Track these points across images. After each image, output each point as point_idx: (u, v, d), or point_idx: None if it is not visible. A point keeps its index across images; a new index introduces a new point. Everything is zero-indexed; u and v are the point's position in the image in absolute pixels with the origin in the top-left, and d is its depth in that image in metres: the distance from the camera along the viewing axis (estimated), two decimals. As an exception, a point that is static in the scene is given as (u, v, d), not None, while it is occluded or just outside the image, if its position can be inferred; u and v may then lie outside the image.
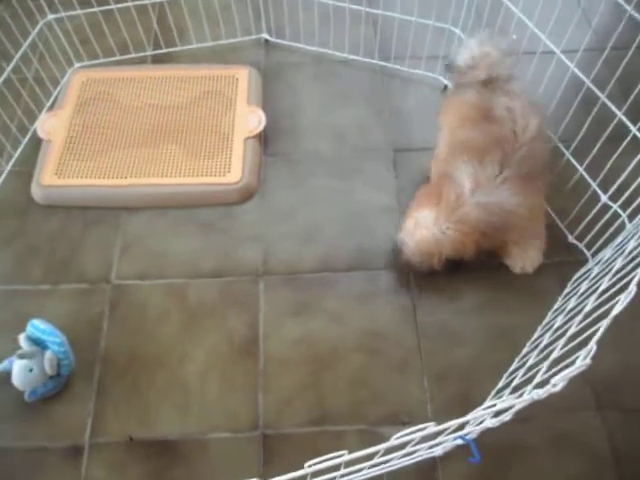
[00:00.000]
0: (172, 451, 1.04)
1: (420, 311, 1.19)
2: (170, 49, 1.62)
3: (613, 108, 1.09)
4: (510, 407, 0.63)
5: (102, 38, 1.55)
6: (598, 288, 0.85)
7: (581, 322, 0.80)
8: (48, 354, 1.05)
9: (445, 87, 1.53)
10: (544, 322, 1.13)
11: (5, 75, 1.36)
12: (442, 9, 1.46)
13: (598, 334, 0.57)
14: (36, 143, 1.42)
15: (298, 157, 1.43)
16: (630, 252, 0.87)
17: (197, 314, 1.19)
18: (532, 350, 1.01)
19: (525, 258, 1.20)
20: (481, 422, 0.70)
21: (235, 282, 1.23)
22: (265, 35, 1.64)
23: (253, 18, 1.62)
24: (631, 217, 1.10)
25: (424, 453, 0.87)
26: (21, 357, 1.05)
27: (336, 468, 0.61)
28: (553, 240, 1.26)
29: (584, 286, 1.03)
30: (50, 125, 1.43)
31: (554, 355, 0.74)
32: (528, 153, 1.08)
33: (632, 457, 1.02)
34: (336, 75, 1.58)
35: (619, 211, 1.12)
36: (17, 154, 1.41)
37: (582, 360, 0.54)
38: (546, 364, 0.72)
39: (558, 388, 0.54)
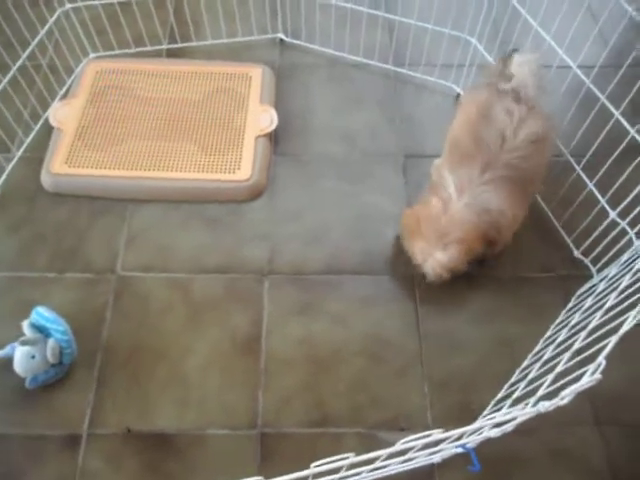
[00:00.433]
0: (169, 445, 1.04)
1: (423, 318, 1.19)
2: (185, 44, 1.62)
3: (626, 125, 1.10)
4: (514, 418, 0.63)
5: (118, 29, 1.56)
6: (604, 305, 0.86)
7: (586, 338, 0.80)
8: (51, 342, 1.05)
9: (458, 95, 1.53)
10: (546, 335, 1.13)
11: (20, 62, 1.36)
12: (459, 18, 1.47)
13: (607, 349, 0.58)
14: (47, 131, 1.42)
15: (308, 158, 1.43)
16: (638, 270, 0.87)
17: (200, 309, 1.19)
18: (534, 362, 1.01)
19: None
20: (482, 432, 0.71)
21: (240, 279, 1.23)
22: (281, 35, 1.64)
23: (269, 17, 1.62)
24: (639, 235, 1.10)
25: (423, 460, 0.87)
26: (23, 344, 1.05)
27: (336, 470, 0.61)
28: (558, 254, 1.26)
29: (589, 302, 1.04)
30: (62, 114, 1.43)
31: (558, 369, 0.74)
32: (519, 158, 1.08)
33: (629, 473, 1.02)
34: (350, 78, 1.58)
35: (627, 228, 1.12)
36: (28, 140, 1.42)
37: (590, 375, 0.54)
38: (550, 377, 0.73)
39: (566, 401, 0.54)
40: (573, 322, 1.01)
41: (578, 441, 1.05)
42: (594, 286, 1.14)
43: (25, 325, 1.07)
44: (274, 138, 1.45)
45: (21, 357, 1.04)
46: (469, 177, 1.09)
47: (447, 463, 1.00)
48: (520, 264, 1.25)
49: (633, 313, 0.62)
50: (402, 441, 0.57)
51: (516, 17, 1.36)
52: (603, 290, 1.03)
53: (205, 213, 1.33)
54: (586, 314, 0.99)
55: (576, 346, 0.80)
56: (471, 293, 1.22)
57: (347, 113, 1.51)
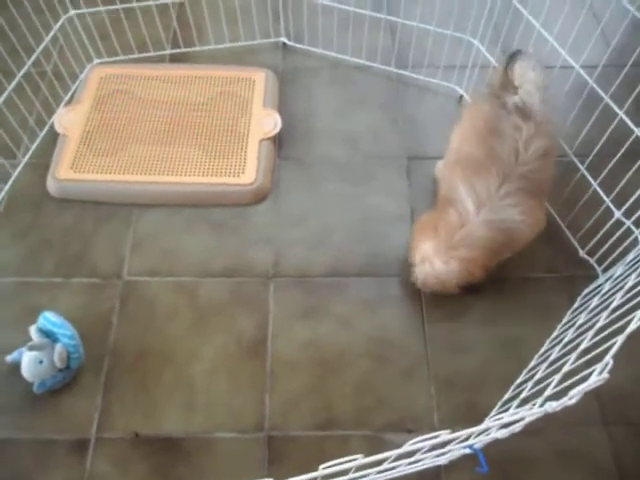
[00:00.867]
0: (177, 449, 1.04)
1: (428, 319, 1.19)
2: (188, 49, 1.63)
3: (630, 124, 1.09)
4: (522, 419, 0.63)
5: (122, 35, 1.57)
6: (610, 304, 0.85)
7: (593, 337, 0.80)
8: (58, 347, 1.05)
9: (461, 97, 1.54)
10: (552, 335, 1.13)
11: (25, 69, 1.37)
12: (461, 20, 1.47)
13: (614, 349, 0.58)
14: (53, 137, 1.43)
15: (312, 161, 1.43)
16: (644, 269, 0.87)
17: (206, 313, 1.19)
18: (540, 363, 1.01)
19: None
20: (489, 433, 0.71)
21: (245, 283, 1.24)
22: (283, 39, 1.65)
23: (272, 21, 1.63)
24: (645, 234, 1.10)
25: (430, 461, 0.87)
26: (31, 349, 1.05)
27: (345, 472, 0.61)
28: (563, 254, 1.26)
29: (595, 302, 1.03)
30: (67, 119, 1.44)
31: (565, 369, 0.74)
32: (530, 172, 1.08)
33: (637, 472, 1.02)
34: (352, 81, 1.58)
35: (632, 228, 1.12)
36: (34, 147, 1.42)
37: (598, 374, 0.54)
38: (557, 377, 0.73)
39: (574, 401, 0.54)
40: (579, 322, 1.01)
41: (586, 441, 1.05)
42: (600, 286, 1.14)
43: (32, 330, 1.08)
44: (278, 141, 1.46)
45: (29, 362, 1.05)
46: (487, 190, 1.08)
47: (454, 465, 1.00)
48: (525, 265, 1.25)
49: (639, 313, 0.62)
50: (410, 442, 0.57)
51: (518, 18, 1.36)
52: (609, 290, 1.03)
53: (210, 217, 1.33)
54: (592, 314, 0.99)
55: (583, 346, 0.80)
56: (476, 294, 1.22)
57: (350, 116, 1.51)
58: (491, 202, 1.08)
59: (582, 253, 1.25)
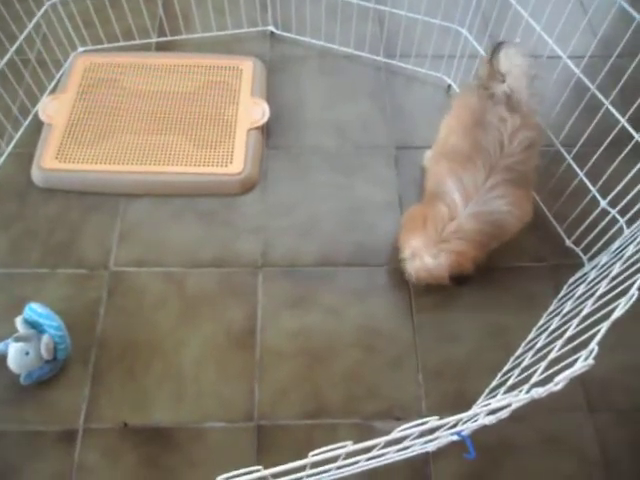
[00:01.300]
0: (166, 438, 1.04)
1: (417, 309, 1.20)
2: (175, 37, 1.61)
3: (617, 114, 1.10)
4: (508, 405, 0.64)
5: (107, 23, 1.54)
6: (596, 292, 0.86)
7: (578, 325, 0.81)
8: (45, 338, 1.04)
9: (449, 86, 1.54)
10: (539, 323, 1.14)
11: (8, 56, 1.34)
12: (449, 9, 1.47)
13: (599, 336, 0.58)
14: (37, 125, 1.41)
15: (300, 151, 1.43)
16: (629, 257, 0.88)
17: (195, 303, 1.19)
18: (527, 351, 1.02)
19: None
20: (477, 419, 0.71)
21: (234, 273, 1.23)
22: (271, 27, 1.64)
23: (260, 9, 1.61)
24: (629, 223, 1.12)
25: (418, 448, 0.88)
26: (17, 340, 1.04)
27: (333, 460, 0.62)
28: (550, 243, 1.27)
29: (581, 290, 1.05)
30: (52, 108, 1.42)
31: (551, 356, 0.75)
32: (516, 163, 1.09)
33: (621, 459, 1.04)
34: (340, 70, 1.58)
35: (617, 217, 1.13)
36: (18, 136, 1.40)
37: (583, 360, 0.55)
38: (543, 364, 0.74)
39: (559, 387, 0.55)
40: (565, 310, 1.02)
41: (571, 427, 1.07)
42: (585, 274, 1.16)
43: (18, 321, 1.07)
44: (266, 131, 1.45)
45: (15, 354, 1.04)
46: (474, 183, 1.08)
47: (442, 451, 1.01)
48: (512, 254, 1.26)
49: (624, 300, 0.63)
50: (399, 429, 0.58)
51: (506, 7, 1.36)
52: (594, 278, 1.04)
53: (198, 207, 1.32)
54: (578, 302, 1.00)
55: (568, 333, 0.81)
56: (465, 285, 1.22)
57: (338, 105, 1.51)
58: (478, 195, 1.08)
59: (568, 242, 1.26)
